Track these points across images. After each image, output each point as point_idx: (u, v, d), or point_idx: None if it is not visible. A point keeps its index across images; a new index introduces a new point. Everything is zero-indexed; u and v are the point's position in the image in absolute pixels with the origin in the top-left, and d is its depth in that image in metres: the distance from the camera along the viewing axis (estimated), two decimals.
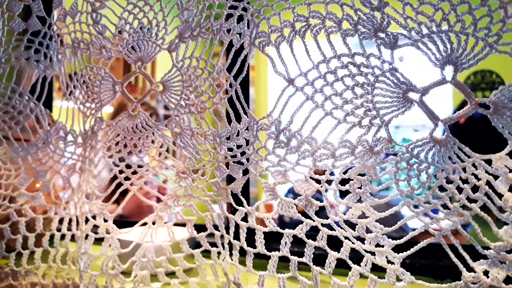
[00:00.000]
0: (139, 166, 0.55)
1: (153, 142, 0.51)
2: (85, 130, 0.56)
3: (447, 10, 0.36)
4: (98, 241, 0.55)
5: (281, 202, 0.46)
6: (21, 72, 0.63)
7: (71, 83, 0.57)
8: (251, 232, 0.47)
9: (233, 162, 0.48)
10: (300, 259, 0.45)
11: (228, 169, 0.48)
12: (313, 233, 0.45)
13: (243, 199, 0.48)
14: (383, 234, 0.41)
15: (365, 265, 0.42)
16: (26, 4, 0.63)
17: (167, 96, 0.49)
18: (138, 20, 0.50)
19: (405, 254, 0.40)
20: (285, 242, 0.46)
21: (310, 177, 0.45)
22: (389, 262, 0.41)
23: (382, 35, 0.39)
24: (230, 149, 0.48)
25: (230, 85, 0.47)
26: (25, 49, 0.63)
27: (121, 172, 0.55)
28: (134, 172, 0.55)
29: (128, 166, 0.55)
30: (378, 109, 0.41)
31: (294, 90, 0.44)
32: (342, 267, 0.44)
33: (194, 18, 0.48)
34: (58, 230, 0.65)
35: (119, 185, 0.55)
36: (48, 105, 0.84)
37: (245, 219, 0.48)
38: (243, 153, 0.48)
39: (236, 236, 0.48)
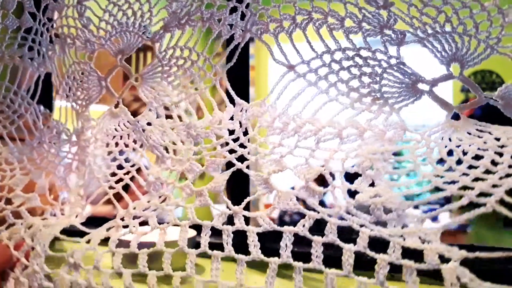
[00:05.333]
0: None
1: (135, 142, 0.48)
2: (79, 128, 0.55)
3: (450, 14, 0.36)
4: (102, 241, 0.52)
5: (278, 194, 0.41)
6: (16, 70, 0.62)
7: (63, 80, 0.56)
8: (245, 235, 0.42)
9: (212, 156, 0.44)
10: (307, 265, 0.38)
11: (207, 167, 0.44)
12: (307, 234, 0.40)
13: (226, 199, 0.44)
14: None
15: (393, 252, 0.34)
16: (19, 1, 0.61)
17: (144, 89, 0.46)
18: (122, 12, 0.47)
19: (443, 226, 0.32)
20: (285, 245, 0.39)
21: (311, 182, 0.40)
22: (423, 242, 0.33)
23: (388, 32, 0.39)
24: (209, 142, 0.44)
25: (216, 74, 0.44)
26: (18, 47, 0.62)
27: (113, 174, 0.52)
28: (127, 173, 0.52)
29: (120, 167, 0.52)
30: (386, 98, 0.40)
31: (295, 76, 0.42)
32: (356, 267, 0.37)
33: (183, 9, 0.45)
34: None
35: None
36: (48, 105, 0.83)
37: (246, 221, 0.43)
38: (225, 144, 0.43)
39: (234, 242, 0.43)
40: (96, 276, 0.45)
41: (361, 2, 0.39)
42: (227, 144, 0.44)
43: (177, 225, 0.51)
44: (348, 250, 0.36)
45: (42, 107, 0.64)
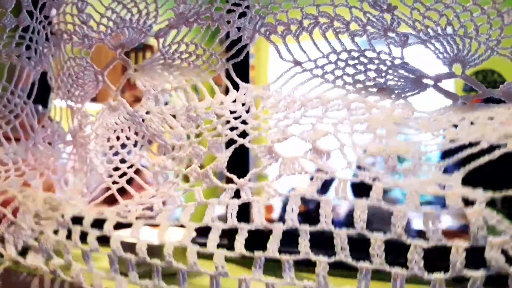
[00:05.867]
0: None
1: (136, 134, 0.48)
2: (74, 127, 0.54)
3: (451, 17, 0.38)
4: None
5: (283, 161, 0.39)
6: (13, 69, 0.61)
7: (58, 77, 0.55)
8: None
9: (214, 136, 0.43)
10: (314, 227, 0.34)
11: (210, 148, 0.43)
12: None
13: (230, 175, 0.42)
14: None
15: (413, 200, 0.32)
16: None
17: (142, 79, 0.46)
18: (127, 9, 0.47)
19: (464, 170, 0.30)
20: (292, 209, 0.35)
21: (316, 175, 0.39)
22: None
23: (392, 34, 0.40)
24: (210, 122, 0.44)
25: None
26: (16, 46, 0.61)
27: (117, 168, 0.51)
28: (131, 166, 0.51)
29: (123, 161, 0.51)
30: (392, 89, 0.41)
31: (301, 70, 0.43)
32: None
33: (192, 10, 0.46)
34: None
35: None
36: (45, 104, 0.82)
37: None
38: (227, 123, 0.43)
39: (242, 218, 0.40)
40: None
41: (365, 7, 0.40)
42: (228, 122, 0.43)
43: (180, 226, 0.51)
44: (361, 206, 0.33)
45: (38, 106, 0.63)
